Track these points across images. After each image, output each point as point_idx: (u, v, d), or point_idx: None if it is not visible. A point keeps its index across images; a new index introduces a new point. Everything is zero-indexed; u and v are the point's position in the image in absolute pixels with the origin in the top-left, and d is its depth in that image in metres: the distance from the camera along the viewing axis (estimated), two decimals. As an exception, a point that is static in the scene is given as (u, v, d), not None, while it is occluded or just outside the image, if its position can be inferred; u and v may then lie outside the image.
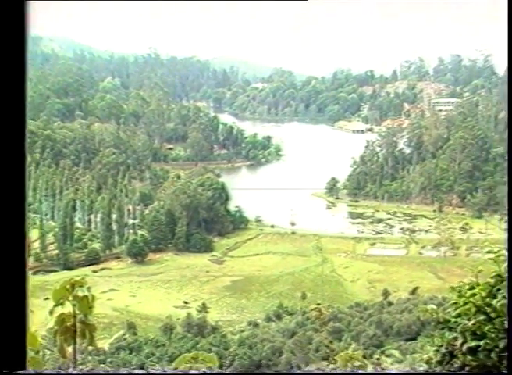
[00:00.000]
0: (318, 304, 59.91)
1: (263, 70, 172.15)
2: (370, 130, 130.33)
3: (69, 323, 5.07)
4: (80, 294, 4.96)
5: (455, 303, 7.49)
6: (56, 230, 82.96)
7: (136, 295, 71.27)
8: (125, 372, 3.64)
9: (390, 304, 62.17)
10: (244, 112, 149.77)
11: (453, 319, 7.29)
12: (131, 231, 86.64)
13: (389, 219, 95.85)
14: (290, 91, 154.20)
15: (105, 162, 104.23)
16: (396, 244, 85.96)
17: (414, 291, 66.63)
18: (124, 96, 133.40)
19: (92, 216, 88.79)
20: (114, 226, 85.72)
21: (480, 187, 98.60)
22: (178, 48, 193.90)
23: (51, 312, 5.13)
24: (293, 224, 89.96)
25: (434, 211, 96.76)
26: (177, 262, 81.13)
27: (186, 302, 68.81)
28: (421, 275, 74.30)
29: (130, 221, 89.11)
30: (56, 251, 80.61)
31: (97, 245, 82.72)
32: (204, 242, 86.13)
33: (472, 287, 7.41)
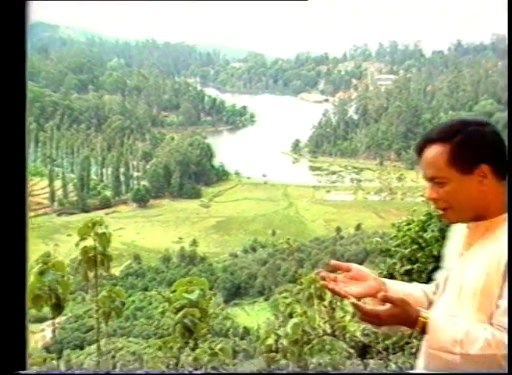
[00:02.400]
0: (288, 238, 60.27)
1: (240, 53, 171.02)
2: (326, 100, 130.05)
3: (90, 254, 5.25)
4: (100, 231, 5.11)
5: (395, 236, 7.33)
6: (75, 180, 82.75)
7: (140, 233, 71.29)
8: (125, 372, 3.35)
9: (342, 238, 62.72)
10: (225, 86, 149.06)
11: (393, 249, 7.13)
12: (135, 182, 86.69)
13: (341, 171, 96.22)
14: (262, 69, 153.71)
15: (113, 126, 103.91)
16: (347, 191, 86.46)
17: (358, 227, 67.28)
18: (127, 73, 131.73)
19: (104, 170, 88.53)
20: (122, 178, 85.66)
21: (412, 146, 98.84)
22: (171, 34, 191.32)
23: (76, 245, 5.32)
24: (264, 176, 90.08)
25: (376, 165, 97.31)
26: (173, 206, 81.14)
27: (180, 238, 68.95)
28: (366, 215, 74.82)
29: (135, 174, 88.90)
30: (76, 198, 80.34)
31: (108, 193, 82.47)
32: (194, 190, 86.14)
33: (408, 223, 7.24)
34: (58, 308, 3.82)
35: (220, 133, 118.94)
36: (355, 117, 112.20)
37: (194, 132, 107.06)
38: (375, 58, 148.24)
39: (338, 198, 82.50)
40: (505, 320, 1.68)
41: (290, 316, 3.96)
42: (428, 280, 6.12)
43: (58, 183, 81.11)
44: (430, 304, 2.07)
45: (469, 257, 1.90)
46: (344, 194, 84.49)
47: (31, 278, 4.37)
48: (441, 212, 1.93)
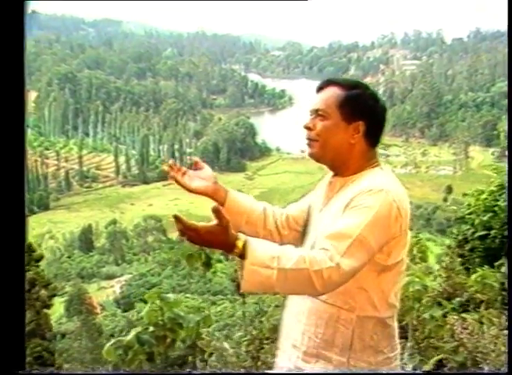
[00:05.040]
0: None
1: (278, 42, 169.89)
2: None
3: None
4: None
5: (468, 204, 6.79)
6: (136, 156, 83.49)
7: (194, 202, 71.22)
8: (124, 372, 3.01)
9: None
10: (266, 72, 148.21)
11: (467, 216, 6.62)
12: (188, 157, 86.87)
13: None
14: (298, 56, 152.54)
15: (168, 108, 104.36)
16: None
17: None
18: (180, 62, 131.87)
19: (161, 147, 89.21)
20: (176, 154, 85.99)
21: (434, 124, 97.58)
22: (218, 26, 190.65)
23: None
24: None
25: (402, 141, 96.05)
26: (221, 179, 76.27)
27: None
28: (393, 187, 73.84)
29: (188, 150, 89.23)
30: (137, 171, 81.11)
31: (165, 167, 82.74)
32: (239, 165, 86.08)
33: (479, 193, 6.70)
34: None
35: (262, 113, 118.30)
36: (383, 99, 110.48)
37: (239, 113, 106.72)
38: (400, 46, 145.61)
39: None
40: (328, 243, 1.64)
41: None
42: (502, 245, 5.64)
43: (122, 159, 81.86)
44: (268, 230, 2.03)
45: (325, 212, 1.88)
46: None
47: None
48: (309, 142, 1.91)
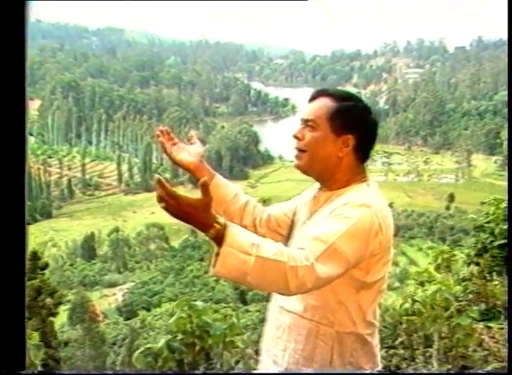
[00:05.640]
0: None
1: (281, 50, 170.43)
2: (358, 92, 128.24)
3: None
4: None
5: (487, 213, 6.83)
6: (139, 164, 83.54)
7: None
8: (124, 372, 3.05)
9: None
10: (269, 80, 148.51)
11: (486, 225, 6.64)
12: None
13: (373, 155, 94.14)
14: (301, 65, 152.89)
15: (171, 116, 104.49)
16: (378, 173, 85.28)
17: (390, 205, 65.41)
18: (183, 70, 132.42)
19: (163, 155, 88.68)
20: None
21: (437, 132, 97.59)
22: (220, 35, 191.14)
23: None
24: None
25: (405, 149, 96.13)
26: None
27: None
28: (396, 195, 73.45)
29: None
30: (140, 179, 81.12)
31: (168, 175, 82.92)
32: (242, 173, 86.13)
33: (500, 202, 6.75)
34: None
35: (265, 122, 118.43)
36: (385, 107, 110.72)
37: (242, 121, 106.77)
38: (403, 54, 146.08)
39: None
40: (306, 244, 1.61)
41: (422, 283, 3.87)
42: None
43: (124, 167, 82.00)
44: (243, 225, 1.90)
45: (308, 225, 1.84)
46: (376, 176, 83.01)
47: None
48: (297, 153, 1.87)
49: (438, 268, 3.63)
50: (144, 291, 39.25)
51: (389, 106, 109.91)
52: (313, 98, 1.87)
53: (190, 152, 2.04)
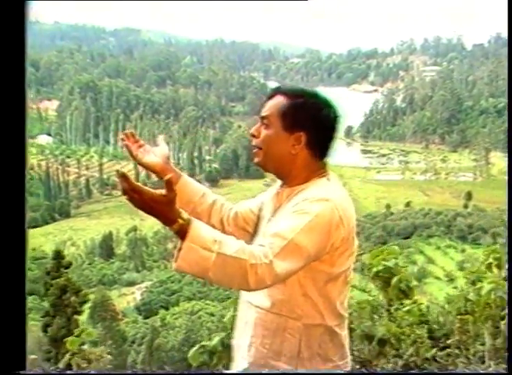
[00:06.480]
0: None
1: (297, 49, 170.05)
2: (375, 90, 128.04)
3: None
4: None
5: None
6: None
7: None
8: (124, 372, 3.10)
9: (391, 214, 61.34)
10: (285, 79, 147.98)
11: None
12: (207, 164, 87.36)
13: (390, 154, 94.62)
14: (317, 64, 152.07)
15: (188, 116, 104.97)
16: (395, 171, 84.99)
17: (407, 204, 65.76)
18: (199, 69, 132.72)
19: (180, 154, 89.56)
20: (195, 161, 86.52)
21: (455, 130, 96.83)
22: (236, 34, 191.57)
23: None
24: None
25: (422, 148, 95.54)
26: (240, 186, 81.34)
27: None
28: (413, 193, 73.26)
29: (207, 157, 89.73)
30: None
31: (184, 174, 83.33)
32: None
33: None
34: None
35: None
36: (402, 105, 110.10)
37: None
38: (420, 52, 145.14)
39: (387, 178, 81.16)
40: (266, 241, 1.64)
41: (473, 282, 3.87)
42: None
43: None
44: (211, 224, 1.90)
45: (272, 222, 1.84)
46: (393, 175, 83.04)
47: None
48: (254, 150, 1.90)
49: (489, 267, 3.67)
50: (162, 290, 39.51)
51: (406, 104, 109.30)
52: (270, 96, 1.90)
53: (155, 154, 2.04)
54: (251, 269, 1.56)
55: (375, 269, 3.97)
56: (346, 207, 1.76)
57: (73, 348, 3.73)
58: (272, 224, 1.81)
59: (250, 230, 2.00)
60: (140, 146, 2.05)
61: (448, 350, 3.70)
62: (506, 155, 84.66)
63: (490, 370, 3.27)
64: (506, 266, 3.58)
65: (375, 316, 3.80)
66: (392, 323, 3.75)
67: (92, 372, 4.07)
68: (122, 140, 2.04)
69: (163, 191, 1.53)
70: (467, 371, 3.44)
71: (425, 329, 3.76)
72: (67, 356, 3.92)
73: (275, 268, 1.59)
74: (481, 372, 3.42)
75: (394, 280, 3.92)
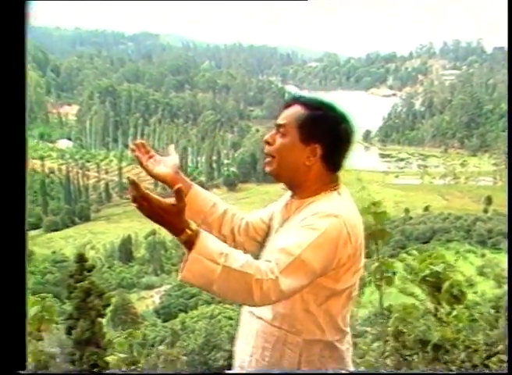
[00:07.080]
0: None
1: (315, 53, 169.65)
2: (394, 95, 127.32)
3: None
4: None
5: None
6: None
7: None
8: (123, 372, 3.17)
9: (410, 218, 61.03)
10: (303, 83, 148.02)
11: None
12: (226, 168, 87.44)
13: (409, 158, 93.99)
14: (335, 67, 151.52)
15: (207, 120, 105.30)
16: (414, 175, 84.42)
17: (426, 209, 65.39)
18: (218, 74, 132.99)
19: (199, 158, 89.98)
20: (214, 165, 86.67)
21: (474, 134, 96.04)
22: (254, 38, 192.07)
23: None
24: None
25: (441, 152, 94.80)
26: (258, 190, 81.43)
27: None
28: (432, 198, 72.74)
29: (225, 161, 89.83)
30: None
31: (203, 178, 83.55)
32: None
33: None
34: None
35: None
36: (421, 109, 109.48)
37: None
38: (439, 56, 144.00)
39: (406, 182, 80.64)
40: (272, 256, 1.63)
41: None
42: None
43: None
44: (222, 234, 1.99)
45: (280, 233, 1.86)
46: (411, 179, 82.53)
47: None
48: (267, 158, 1.89)
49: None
50: (180, 294, 39.71)
51: (425, 108, 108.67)
52: (288, 105, 1.91)
53: (166, 164, 2.04)
54: (256, 285, 1.54)
55: (422, 274, 3.99)
56: (355, 223, 1.77)
57: (122, 349, 3.89)
58: (279, 237, 1.83)
59: (260, 240, 2.01)
60: (151, 157, 2.05)
61: (500, 356, 3.68)
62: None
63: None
64: (507, 265, 3.61)
65: (423, 321, 3.81)
66: (447, 328, 3.74)
67: (92, 372, 4.18)
68: (133, 150, 2.04)
69: (173, 201, 1.52)
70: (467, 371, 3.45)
71: (481, 335, 3.74)
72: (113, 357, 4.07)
73: (281, 284, 1.58)
74: (482, 372, 3.46)
75: (446, 284, 3.93)
